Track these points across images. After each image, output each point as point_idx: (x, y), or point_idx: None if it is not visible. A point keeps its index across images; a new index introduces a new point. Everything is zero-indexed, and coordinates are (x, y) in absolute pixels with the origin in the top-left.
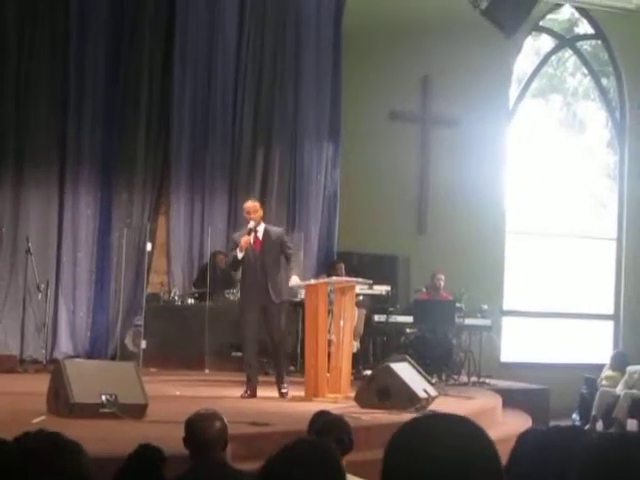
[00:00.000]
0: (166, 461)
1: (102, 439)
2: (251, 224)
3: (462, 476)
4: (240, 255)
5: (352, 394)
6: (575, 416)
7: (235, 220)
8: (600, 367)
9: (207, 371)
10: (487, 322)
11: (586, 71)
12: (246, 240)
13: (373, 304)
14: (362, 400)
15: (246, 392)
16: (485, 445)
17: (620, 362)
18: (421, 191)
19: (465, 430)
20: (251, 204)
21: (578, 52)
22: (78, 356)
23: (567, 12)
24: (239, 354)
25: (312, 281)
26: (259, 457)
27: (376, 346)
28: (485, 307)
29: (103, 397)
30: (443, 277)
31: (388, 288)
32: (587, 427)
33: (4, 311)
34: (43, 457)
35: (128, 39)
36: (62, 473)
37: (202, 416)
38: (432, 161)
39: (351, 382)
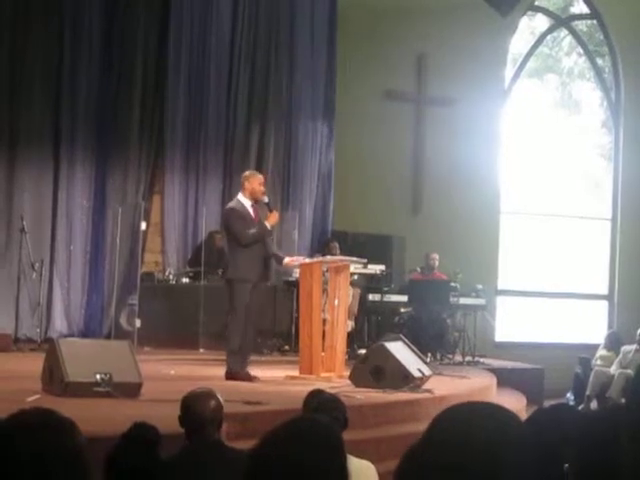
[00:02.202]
0: (161, 440)
1: (96, 418)
2: (265, 199)
3: (494, 465)
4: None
5: (346, 373)
6: (569, 396)
7: (229, 199)
8: (594, 347)
9: (202, 350)
10: (482, 302)
11: (581, 51)
12: (276, 216)
13: (367, 283)
14: (356, 379)
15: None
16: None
17: (614, 342)
18: (416, 171)
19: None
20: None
21: (573, 32)
22: (72, 335)
23: None
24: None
25: (306, 260)
26: (253, 436)
27: (370, 325)
28: (480, 287)
29: (97, 376)
30: (437, 257)
31: (382, 267)
32: (581, 407)
33: None
34: (37, 434)
35: (123, 17)
36: (56, 450)
37: (198, 395)
38: (427, 141)
39: (345, 361)
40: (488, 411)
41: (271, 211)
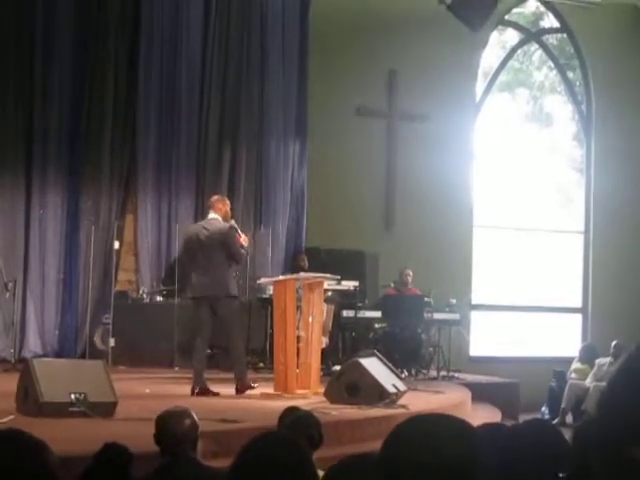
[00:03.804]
0: (132, 459)
1: (72, 438)
2: (233, 221)
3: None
4: None
5: (321, 390)
6: (545, 409)
7: (202, 218)
8: (569, 360)
9: (176, 368)
10: (456, 316)
11: (552, 64)
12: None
13: (341, 300)
14: (331, 396)
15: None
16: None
17: (589, 355)
18: (388, 186)
19: (458, 431)
20: None
21: (544, 46)
22: (47, 355)
23: (532, 6)
24: (208, 351)
25: (280, 277)
26: (229, 454)
27: (345, 342)
28: (454, 301)
29: (72, 396)
30: (411, 273)
31: (356, 284)
32: (557, 420)
33: None
34: (6, 455)
35: (93, 40)
36: (26, 471)
37: (173, 413)
38: (399, 156)
39: (320, 378)
40: (448, 420)
41: (240, 235)
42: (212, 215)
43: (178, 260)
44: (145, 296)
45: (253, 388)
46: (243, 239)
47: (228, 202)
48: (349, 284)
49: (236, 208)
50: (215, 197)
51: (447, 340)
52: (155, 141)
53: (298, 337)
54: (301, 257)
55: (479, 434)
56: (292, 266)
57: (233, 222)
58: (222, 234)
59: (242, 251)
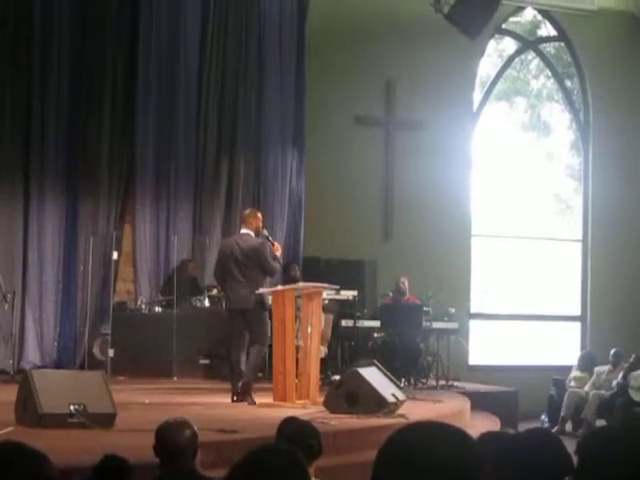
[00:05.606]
0: (132, 471)
1: (71, 449)
2: (266, 232)
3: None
4: None
5: (321, 399)
6: (544, 418)
7: (200, 228)
8: (568, 368)
9: (175, 378)
10: (454, 325)
11: (549, 73)
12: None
13: (340, 309)
14: (331, 405)
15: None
16: (474, 454)
17: (588, 363)
18: (387, 195)
19: (456, 438)
20: None
21: (541, 54)
22: (46, 366)
23: (529, 14)
24: (207, 361)
25: (279, 287)
26: (228, 464)
27: (344, 351)
28: (452, 310)
29: (71, 407)
30: (407, 281)
31: (355, 293)
32: (556, 428)
33: None
34: (6, 467)
35: (92, 51)
36: None
37: (172, 424)
38: (397, 165)
39: (319, 387)
40: (444, 426)
41: (273, 244)
42: (244, 231)
43: (214, 275)
44: (144, 306)
45: (253, 404)
46: (275, 248)
47: (259, 215)
48: (348, 293)
49: (234, 218)
50: (247, 211)
51: (446, 349)
52: (153, 152)
53: (297, 347)
54: (293, 267)
55: (475, 439)
56: (284, 276)
57: (265, 232)
58: (256, 252)
59: (276, 265)
